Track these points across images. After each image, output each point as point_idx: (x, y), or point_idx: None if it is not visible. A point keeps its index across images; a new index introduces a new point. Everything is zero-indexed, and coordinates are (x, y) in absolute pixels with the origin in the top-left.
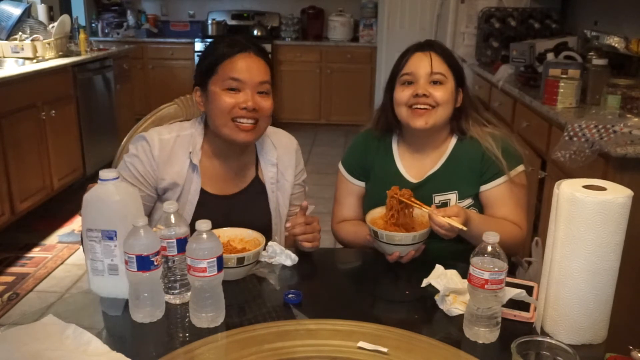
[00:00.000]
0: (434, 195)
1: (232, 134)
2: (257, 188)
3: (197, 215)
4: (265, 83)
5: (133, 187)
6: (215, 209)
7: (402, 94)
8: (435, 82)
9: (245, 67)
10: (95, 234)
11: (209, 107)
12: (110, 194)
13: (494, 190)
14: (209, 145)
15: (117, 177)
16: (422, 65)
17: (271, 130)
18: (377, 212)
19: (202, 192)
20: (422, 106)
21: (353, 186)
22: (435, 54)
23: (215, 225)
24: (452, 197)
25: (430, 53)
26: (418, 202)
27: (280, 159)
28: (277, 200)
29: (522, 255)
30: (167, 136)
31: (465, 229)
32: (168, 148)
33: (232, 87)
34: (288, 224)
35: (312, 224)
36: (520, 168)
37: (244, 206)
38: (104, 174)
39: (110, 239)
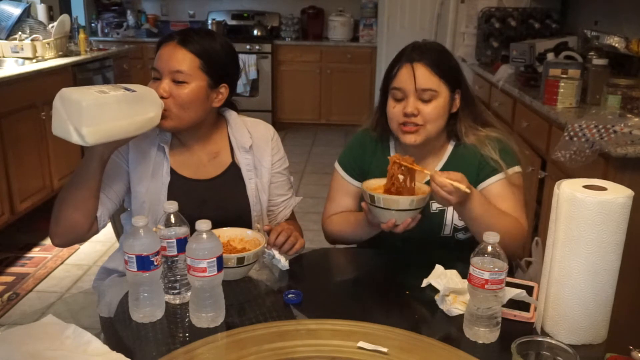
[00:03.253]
0: (431, 202)
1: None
2: (234, 173)
3: (173, 197)
4: (180, 72)
5: (115, 177)
6: (190, 192)
7: (394, 110)
8: (424, 99)
9: (163, 57)
10: (120, 85)
11: None
12: (158, 98)
13: (492, 187)
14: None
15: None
16: (410, 81)
17: (248, 120)
18: (375, 182)
19: (176, 175)
20: (411, 124)
21: (349, 186)
22: (424, 66)
23: (193, 210)
24: None
25: (420, 66)
26: (420, 167)
27: (256, 146)
28: (256, 187)
29: (522, 255)
30: None
31: (468, 191)
32: None
33: (155, 76)
34: (266, 227)
35: (289, 236)
36: (517, 169)
37: (221, 190)
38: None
39: (127, 90)
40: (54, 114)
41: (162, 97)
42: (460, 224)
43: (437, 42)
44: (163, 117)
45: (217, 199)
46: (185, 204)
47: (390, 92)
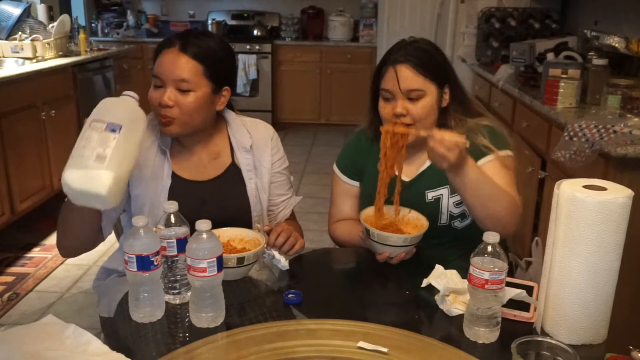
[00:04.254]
0: (426, 191)
1: (161, 127)
2: (234, 174)
3: (173, 199)
4: (184, 81)
5: None
6: (190, 194)
7: (384, 111)
8: (412, 98)
9: (165, 64)
10: (100, 124)
11: None
12: (131, 102)
13: (483, 167)
14: None
15: (138, 100)
16: (395, 83)
17: (247, 120)
18: (371, 210)
19: (176, 177)
20: (402, 123)
21: (348, 186)
22: (408, 67)
23: (193, 211)
24: (444, 192)
25: (403, 67)
26: (414, 130)
27: (256, 146)
28: (256, 187)
29: (522, 255)
30: None
31: (467, 144)
32: None
33: (156, 84)
34: (266, 227)
35: (289, 236)
36: (509, 152)
37: (221, 191)
38: (128, 92)
39: (113, 131)
40: (67, 194)
41: (167, 106)
42: (456, 211)
43: (423, 39)
44: (169, 123)
45: (218, 199)
46: (186, 205)
47: (380, 93)
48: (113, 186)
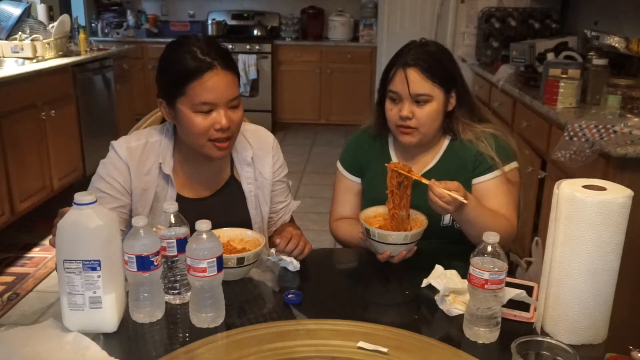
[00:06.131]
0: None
1: (210, 153)
2: (234, 187)
3: None
4: (236, 98)
5: (111, 210)
6: (191, 212)
7: (391, 112)
8: (419, 102)
9: (216, 88)
10: (74, 265)
11: (180, 126)
12: (91, 219)
13: (486, 183)
14: (180, 151)
15: (95, 201)
16: (404, 86)
17: (247, 128)
18: (371, 211)
19: (180, 197)
20: (407, 126)
21: (350, 183)
22: (417, 71)
23: (193, 227)
24: None
25: (413, 71)
26: (417, 175)
27: (257, 157)
28: (257, 199)
29: (522, 255)
30: (134, 144)
31: (466, 201)
32: (137, 156)
33: (204, 110)
34: (277, 240)
35: (299, 242)
36: (514, 165)
37: (221, 207)
38: (80, 197)
39: (94, 269)
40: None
41: (228, 128)
42: None
43: (434, 42)
44: (228, 146)
45: (218, 214)
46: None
47: (387, 94)
48: (118, 311)
